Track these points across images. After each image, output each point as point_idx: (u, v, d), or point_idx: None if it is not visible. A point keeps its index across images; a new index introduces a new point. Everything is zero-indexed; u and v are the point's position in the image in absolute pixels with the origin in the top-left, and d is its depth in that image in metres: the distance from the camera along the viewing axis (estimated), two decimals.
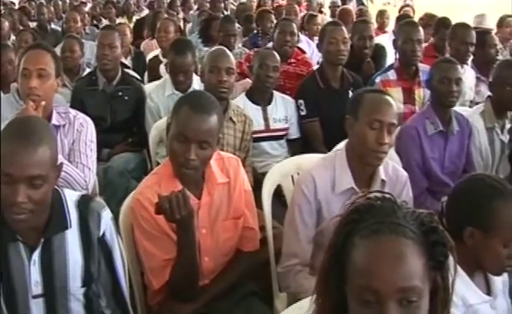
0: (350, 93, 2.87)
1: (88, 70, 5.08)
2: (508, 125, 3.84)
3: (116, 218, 2.48)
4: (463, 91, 4.66)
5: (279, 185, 3.10)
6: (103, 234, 2.16)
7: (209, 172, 2.54)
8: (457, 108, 3.93)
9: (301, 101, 4.33)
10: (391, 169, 2.73)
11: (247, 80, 4.67)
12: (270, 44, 5.44)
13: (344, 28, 4.51)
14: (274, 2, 10.94)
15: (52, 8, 10.76)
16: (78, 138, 3.09)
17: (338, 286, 1.34)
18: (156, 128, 3.91)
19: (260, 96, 4.20)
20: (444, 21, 5.71)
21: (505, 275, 2.17)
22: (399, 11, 8.84)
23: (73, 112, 3.20)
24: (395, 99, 4.25)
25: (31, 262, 2.04)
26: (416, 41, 4.39)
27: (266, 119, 4.15)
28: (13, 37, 6.97)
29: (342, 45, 4.37)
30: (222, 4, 9.78)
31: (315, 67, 5.03)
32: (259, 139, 4.05)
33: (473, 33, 4.92)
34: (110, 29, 5.05)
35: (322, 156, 2.84)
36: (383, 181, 2.63)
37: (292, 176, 3.09)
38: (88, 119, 3.21)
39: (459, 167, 3.66)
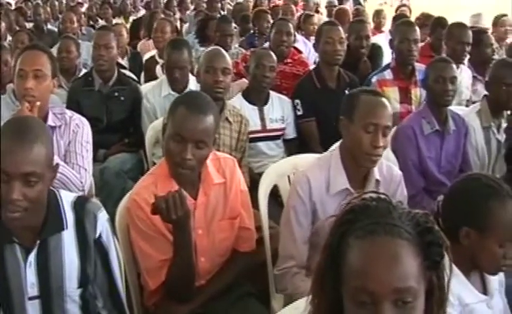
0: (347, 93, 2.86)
1: (84, 70, 5.08)
2: (504, 125, 3.84)
3: (112, 219, 2.48)
4: (460, 91, 4.68)
5: (276, 185, 3.10)
6: (100, 235, 2.15)
7: (205, 172, 2.54)
8: (453, 107, 3.94)
9: (297, 101, 4.32)
10: (385, 168, 2.72)
11: (244, 80, 4.67)
12: (267, 44, 5.44)
13: (340, 28, 4.51)
14: (270, 2, 10.93)
15: (49, 9, 10.73)
16: (74, 139, 3.08)
17: (334, 286, 1.33)
18: (153, 129, 3.90)
19: (256, 96, 4.19)
20: (440, 21, 5.71)
21: (501, 275, 2.18)
22: (396, 11, 8.84)
23: (68, 113, 3.19)
24: (392, 98, 4.33)
25: (27, 264, 2.04)
26: (413, 41, 4.40)
27: (262, 119, 4.15)
28: (9, 38, 6.95)
29: (338, 45, 4.36)
30: (219, 4, 9.78)
31: (312, 66, 5.02)
32: (256, 139, 4.05)
33: (470, 32, 4.92)
34: (106, 29, 5.04)
35: (317, 156, 2.83)
36: (377, 181, 2.62)
37: (288, 177, 3.09)
38: (84, 120, 3.21)
39: (455, 167, 3.66)
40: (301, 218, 2.59)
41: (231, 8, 10.69)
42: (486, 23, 6.82)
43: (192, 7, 11.33)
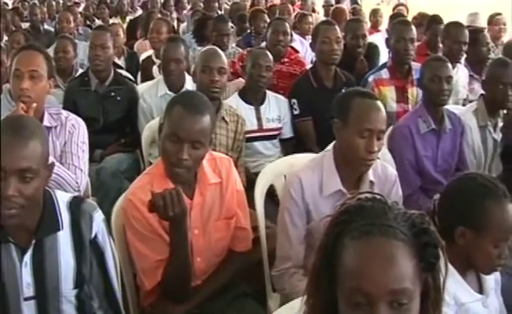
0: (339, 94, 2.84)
1: (81, 71, 5.07)
2: (500, 124, 3.84)
3: (108, 219, 2.48)
4: (457, 90, 4.69)
5: (272, 185, 3.10)
6: (95, 236, 2.15)
7: (201, 172, 2.53)
8: (450, 106, 3.94)
9: (294, 101, 4.32)
10: (380, 168, 2.71)
11: (240, 79, 4.67)
12: (264, 44, 5.44)
13: (337, 27, 4.51)
14: (267, 2, 10.93)
15: (45, 9, 10.72)
16: (70, 139, 3.07)
17: (329, 287, 1.33)
18: (149, 129, 3.90)
19: (253, 96, 4.19)
20: (435, 18, 5.75)
21: (497, 274, 2.18)
22: (393, 10, 8.84)
23: (64, 113, 3.18)
24: (388, 97, 4.34)
25: (23, 264, 2.03)
26: (409, 40, 4.40)
27: (259, 119, 4.15)
28: (5, 38, 6.94)
29: (335, 44, 4.36)
30: (216, 4, 9.77)
31: (309, 66, 5.02)
32: (252, 138, 4.05)
33: (466, 31, 4.93)
34: (103, 29, 5.04)
35: (310, 157, 2.82)
36: (371, 182, 2.61)
37: (285, 176, 3.08)
38: (80, 120, 3.20)
39: (452, 166, 3.67)
40: (295, 219, 2.58)
41: (228, 7, 10.69)
42: (483, 22, 6.83)
43: (189, 7, 11.32)
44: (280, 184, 3.06)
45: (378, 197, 1.36)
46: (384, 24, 8.11)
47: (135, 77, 5.69)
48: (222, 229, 2.60)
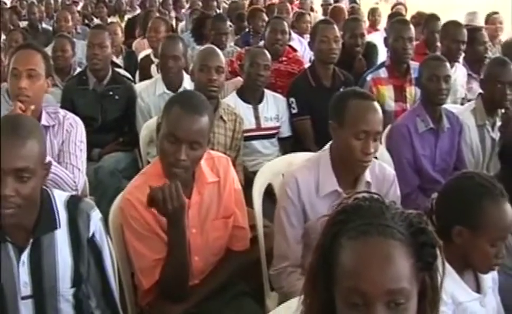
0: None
1: (79, 69, 5.06)
2: (499, 123, 3.84)
3: (106, 218, 2.48)
4: (455, 89, 4.69)
5: (270, 184, 3.10)
6: (93, 235, 2.14)
7: (199, 171, 2.53)
8: (448, 105, 3.95)
9: (292, 99, 4.32)
10: (377, 168, 2.71)
11: (239, 78, 4.67)
12: (262, 43, 5.44)
13: (335, 26, 4.50)
14: (266, 1, 10.92)
15: (43, 8, 10.71)
16: (67, 138, 3.07)
17: (326, 287, 1.32)
18: (147, 128, 3.90)
19: (251, 95, 4.19)
20: (433, 15, 5.77)
21: (495, 272, 2.18)
22: (392, 9, 8.83)
23: (62, 112, 3.18)
24: (387, 96, 4.34)
25: (20, 263, 2.03)
26: (407, 39, 4.40)
27: (257, 117, 4.15)
28: (3, 37, 6.93)
29: (333, 44, 4.36)
30: (215, 3, 9.77)
31: (307, 65, 5.02)
32: (250, 137, 4.05)
33: (464, 31, 4.92)
34: (101, 28, 5.03)
35: (307, 157, 2.82)
36: (368, 183, 2.59)
37: (283, 175, 3.08)
38: (78, 119, 3.20)
39: (450, 165, 3.67)
40: (292, 218, 2.58)
41: (227, 6, 10.68)
42: (481, 21, 6.83)
43: (187, 5, 11.31)
44: (278, 183, 3.05)
45: (376, 196, 1.36)
46: (383, 23, 8.11)
47: (134, 76, 5.70)
48: (220, 228, 2.60)
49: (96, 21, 9.72)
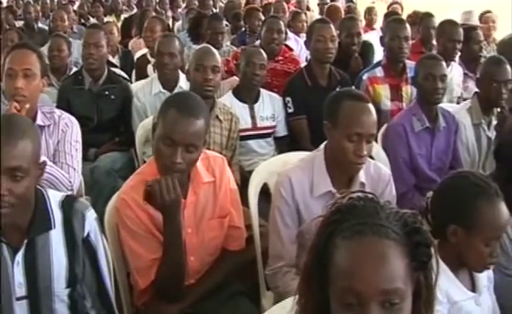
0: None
1: (75, 69, 5.05)
2: (494, 122, 3.85)
3: (102, 218, 2.48)
4: (451, 88, 4.69)
5: (266, 183, 3.09)
6: (88, 235, 2.14)
7: (194, 171, 2.52)
8: (444, 104, 3.95)
9: (288, 99, 4.32)
10: (372, 168, 2.70)
11: (235, 78, 4.66)
12: (258, 42, 5.43)
13: (332, 26, 4.50)
14: (262, 0, 10.92)
15: (39, 7, 10.69)
16: (63, 138, 3.06)
17: (321, 287, 1.32)
18: (143, 127, 3.89)
19: (247, 94, 4.18)
20: (427, 13, 5.81)
21: (490, 271, 2.19)
22: (388, 8, 8.83)
23: (57, 112, 3.17)
24: (383, 96, 4.34)
25: (15, 263, 2.03)
26: (403, 38, 4.40)
27: (253, 117, 4.15)
28: None
29: (330, 43, 4.36)
30: (211, 2, 9.76)
31: (303, 64, 5.02)
32: (246, 137, 4.04)
33: (461, 30, 4.94)
34: (96, 28, 5.01)
35: (301, 156, 2.81)
36: (362, 184, 2.58)
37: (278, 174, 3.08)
38: (73, 119, 3.19)
39: (446, 163, 3.67)
40: (286, 218, 2.58)
41: (223, 5, 10.68)
42: (477, 20, 6.84)
43: (183, 5, 11.30)
44: (274, 182, 3.05)
45: (370, 196, 1.35)
46: (379, 22, 8.12)
47: (130, 76, 5.68)
48: (216, 228, 2.59)
49: (92, 20, 9.70)
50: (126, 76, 5.29)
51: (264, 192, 3.08)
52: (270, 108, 4.24)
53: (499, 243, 2.05)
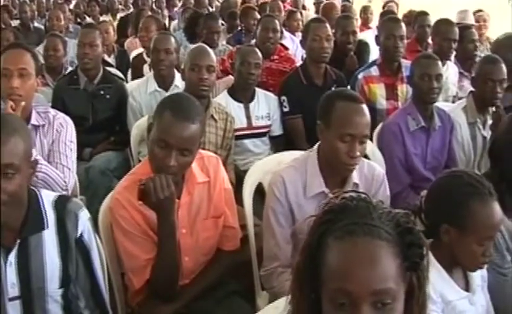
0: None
1: (70, 69, 5.04)
2: (490, 121, 3.85)
3: (97, 218, 2.48)
4: (446, 87, 4.69)
5: (261, 183, 3.09)
6: (81, 235, 2.14)
7: (189, 171, 2.52)
8: (440, 103, 3.95)
9: (284, 98, 4.31)
10: (366, 168, 2.69)
11: (230, 77, 4.66)
12: (254, 41, 5.43)
13: (327, 25, 4.50)
14: None
15: (35, 6, 10.67)
16: (57, 138, 3.06)
17: (313, 287, 1.32)
18: (138, 127, 3.89)
19: (242, 93, 4.18)
20: (422, 12, 5.82)
21: (484, 270, 2.18)
22: (383, 7, 8.84)
23: (52, 111, 3.16)
24: (378, 95, 4.34)
25: (7, 264, 2.03)
26: (399, 37, 4.39)
27: (248, 116, 4.13)
28: None
29: (325, 42, 4.35)
30: (207, 1, 9.75)
31: (299, 63, 5.02)
32: (241, 136, 4.04)
33: (456, 29, 4.94)
34: (91, 27, 5.00)
35: (294, 156, 2.80)
36: (355, 184, 2.56)
37: None
38: (68, 119, 3.18)
39: (441, 163, 3.67)
40: (280, 218, 2.57)
41: (219, 4, 10.67)
42: (473, 19, 6.85)
43: (180, 4, 11.30)
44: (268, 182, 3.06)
45: (363, 196, 1.35)
46: (375, 21, 8.12)
47: (126, 75, 5.68)
48: (210, 228, 2.59)
49: (88, 19, 9.68)
50: (121, 75, 5.29)
51: (259, 192, 3.08)
52: (266, 107, 4.23)
53: (492, 242, 2.05)
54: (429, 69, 3.57)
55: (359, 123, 2.45)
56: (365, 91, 4.29)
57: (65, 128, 3.11)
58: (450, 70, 4.93)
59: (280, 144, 4.24)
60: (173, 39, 4.42)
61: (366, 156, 2.96)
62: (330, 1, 7.66)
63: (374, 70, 4.45)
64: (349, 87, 4.32)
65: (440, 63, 3.70)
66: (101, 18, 9.52)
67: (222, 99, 4.07)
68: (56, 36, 5.42)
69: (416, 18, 5.72)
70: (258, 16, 6.40)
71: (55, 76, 4.99)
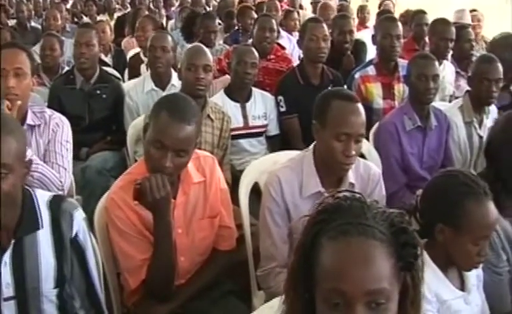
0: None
1: (67, 68, 5.04)
2: (486, 120, 3.85)
3: (93, 218, 2.48)
4: (443, 86, 4.70)
5: (257, 182, 3.09)
6: (76, 235, 2.13)
7: (184, 171, 2.51)
8: (436, 103, 3.95)
9: (281, 98, 4.30)
10: (362, 167, 2.69)
11: (227, 76, 4.65)
12: (251, 41, 5.42)
13: (324, 25, 4.49)
14: None
15: (32, 6, 10.65)
16: (53, 138, 3.04)
17: (307, 287, 1.32)
18: (134, 127, 3.89)
19: (238, 93, 4.17)
20: (419, 10, 5.84)
21: (480, 270, 2.18)
22: (379, 6, 8.84)
23: (48, 111, 3.15)
24: (375, 94, 4.34)
25: (2, 264, 2.02)
26: (395, 36, 4.39)
27: (245, 116, 4.13)
28: None
29: (322, 42, 4.35)
30: (204, 0, 9.75)
31: (296, 63, 5.01)
32: (238, 136, 4.03)
33: (453, 28, 4.94)
34: (88, 27, 4.99)
35: (290, 156, 2.80)
36: (351, 184, 2.56)
37: None
38: (64, 119, 3.17)
39: (437, 162, 3.67)
40: (277, 218, 2.56)
41: (216, 4, 10.67)
42: (470, 19, 6.86)
43: (177, 3, 11.29)
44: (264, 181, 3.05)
45: (357, 196, 1.34)
46: (372, 21, 8.12)
47: (123, 75, 5.67)
48: (206, 228, 2.59)
49: (85, 19, 9.68)
50: (118, 75, 5.28)
51: (255, 191, 3.07)
52: (262, 107, 4.23)
53: (487, 242, 2.05)
54: (426, 70, 3.57)
55: (355, 122, 2.45)
56: (361, 91, 4.30)
57: (61, 128, 3.10)
58: (446, 70, 4.93)
59: (276, 144, 4.24)
60: (170, 37, 4.42)
61: (362, 155, 2.96)
62: (327, 1, 7.66)
63: (371, 70, 4.45)
64: (346, 86, 4.32)
65: (437, 63, 3.70)
66: (98, 18, 9.52)
67: (218, 99, 4.06)
68: (53, 35, 5.41)
69: (413, 17, 5.74)
70: (256, 16, 6.38)
71: (52, 75, 4.99)
